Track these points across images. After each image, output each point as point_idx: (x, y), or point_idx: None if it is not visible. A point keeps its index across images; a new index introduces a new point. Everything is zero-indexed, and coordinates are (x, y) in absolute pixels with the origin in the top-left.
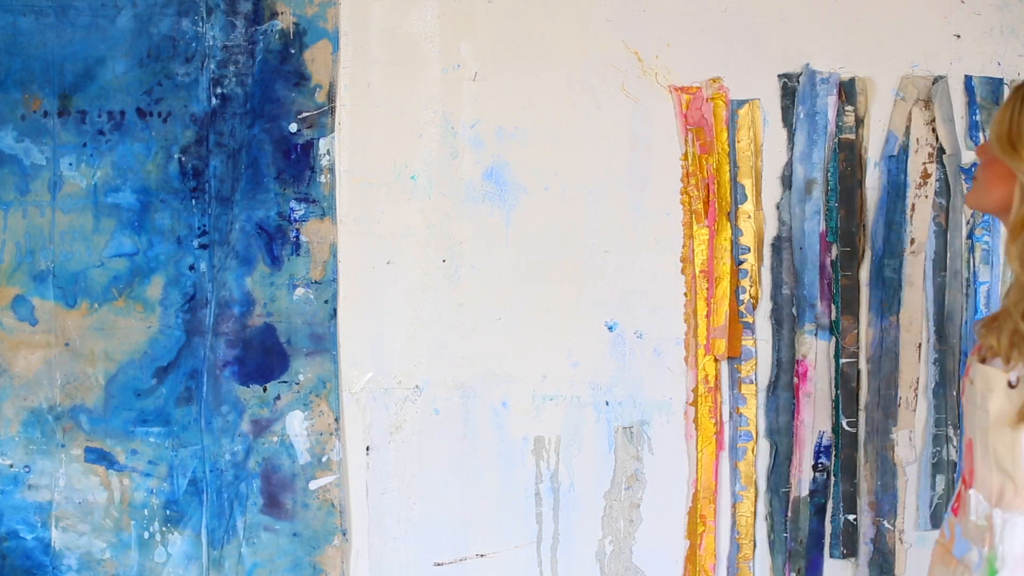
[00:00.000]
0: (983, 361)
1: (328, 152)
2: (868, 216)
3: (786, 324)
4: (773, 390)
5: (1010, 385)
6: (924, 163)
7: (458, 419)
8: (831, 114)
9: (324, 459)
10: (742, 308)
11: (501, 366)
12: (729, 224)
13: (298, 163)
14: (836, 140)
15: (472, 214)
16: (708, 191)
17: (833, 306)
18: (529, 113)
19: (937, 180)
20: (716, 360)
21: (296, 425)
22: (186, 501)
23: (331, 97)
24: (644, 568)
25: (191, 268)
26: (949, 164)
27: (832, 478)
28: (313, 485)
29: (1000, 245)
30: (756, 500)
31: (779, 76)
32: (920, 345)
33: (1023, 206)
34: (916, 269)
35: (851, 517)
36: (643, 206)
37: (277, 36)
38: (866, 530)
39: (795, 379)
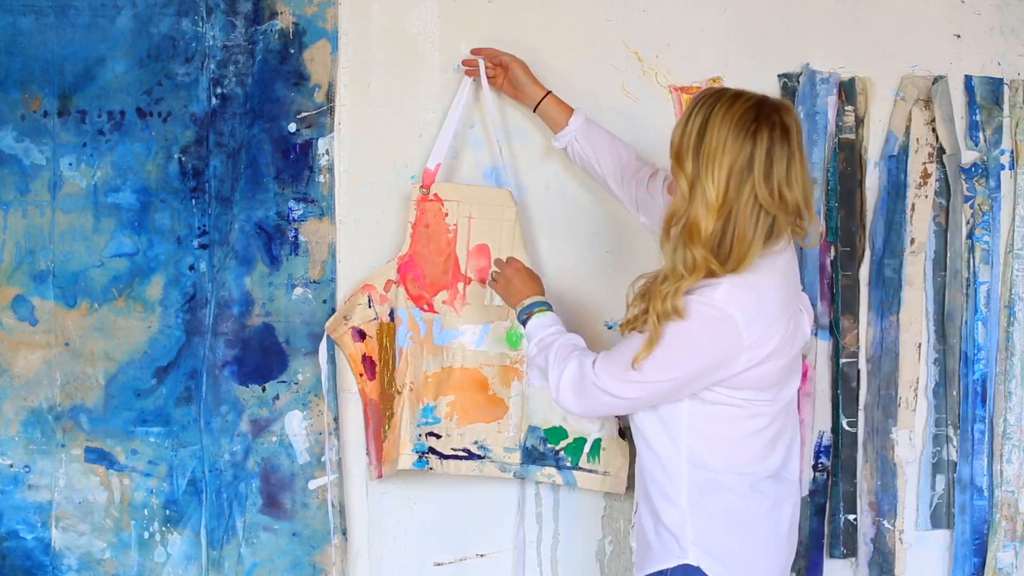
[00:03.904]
0: None
1: (327, 152)
2: (868, 216)
3: None
4: None
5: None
6: (924, 163)
7: None
8: (831, 114)
9: (324, 459)
10: None
11: None
12: None
13: (297, 163)
14: (836, 140)
15: None
16: None
17: (833, 306)
18: (529, 113)
19: (937, 180)
20: None
21: (295, 425)
22: (186, 501)
23: (331, 97)
24: None
25: (191, 268)
26: (949, 164)
27: (832, 478)
28: (312, 485)
29: (1000, 245)
30: None
31: (779, 76)
32: (920, 345)
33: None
34: (916, 269)
35: (851, 517)
36: None
37: (277, 36)
38: (866, 530)
39: None
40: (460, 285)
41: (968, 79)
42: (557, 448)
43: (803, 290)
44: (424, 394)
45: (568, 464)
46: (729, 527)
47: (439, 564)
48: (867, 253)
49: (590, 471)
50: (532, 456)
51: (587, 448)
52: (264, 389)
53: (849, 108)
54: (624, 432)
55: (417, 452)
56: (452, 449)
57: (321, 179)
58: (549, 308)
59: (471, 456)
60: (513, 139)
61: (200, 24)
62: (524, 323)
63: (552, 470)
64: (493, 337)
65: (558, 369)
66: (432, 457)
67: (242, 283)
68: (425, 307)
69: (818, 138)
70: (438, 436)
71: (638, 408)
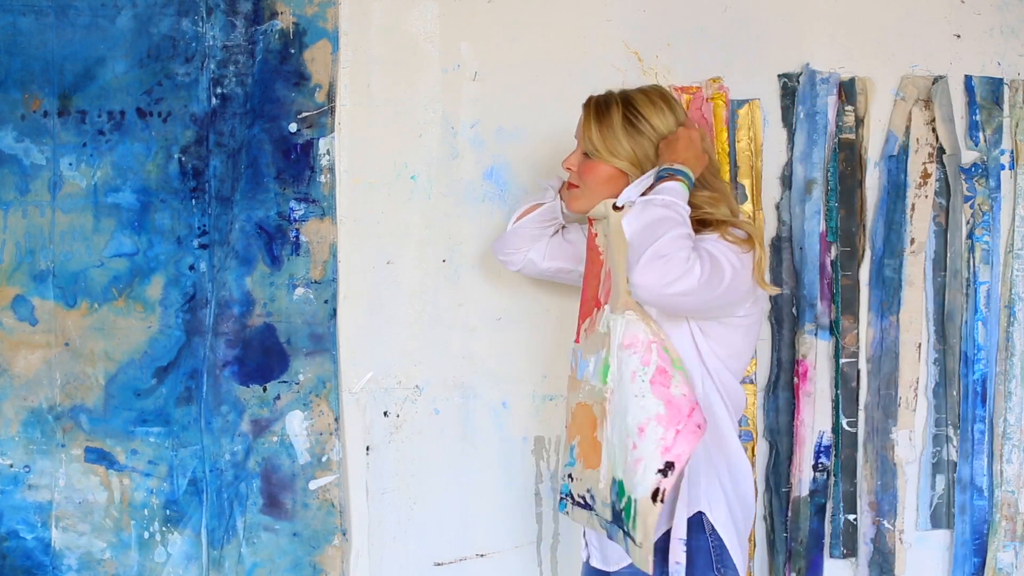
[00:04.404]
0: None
1: (328, 152)
2: (868, 216)
3: (786, 324)
4: (773, 390)
5: (616, 208)
6: (924, 163)
7: (458, 419)
8: (831, 114)
9: (324, 459)
10: None
11: (501, 366)
12: None
13: (298, 163)
14: (836, 140)
15: (472, 214)
16: None
17: (833, 306)
18: (529, 113)
19: (937, 180)
20: None
21: (296, 425)
22: (186, 501)
23: (331, 97)
24: None
25: (191, 268)
26: (949, 164)
27: (832, 478)
28: (313, 485)
29: (1001, 245)
30: (756, 500)
31: (779, 76)
32: (920, 345)
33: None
34: (916, 269)
35: (851, 517)
36: None
37: (277, 36)
38: (866, 530)
39: (795, 379)
40: (596, 311)
41: (968, 79)
42: (621, 507)
43: (803, 290)
44: (571, 432)
45: (625, 527)
46: (731, 475)
47: (439, 564)
48: (867, 253)
49: (631, 537)
50: (615, 514)
51: (631, 510)
52: (265, 389)
53: (849, 108)
54: (657, 494)
55: (562, 494)
56: (579, 495)
57: (322, 179)
58: (690, 187)
59: (585, 505)
60: (513, 139)
61: (200, 24)
62: (662, 177)
63: (621, 533)
64: (595, 368)
65: (674, 232)
66: (569, 500)
67: (243, 283)
68: (576, 339)
69: (818, 138)
70: (572, 478)
71: (700, 304)
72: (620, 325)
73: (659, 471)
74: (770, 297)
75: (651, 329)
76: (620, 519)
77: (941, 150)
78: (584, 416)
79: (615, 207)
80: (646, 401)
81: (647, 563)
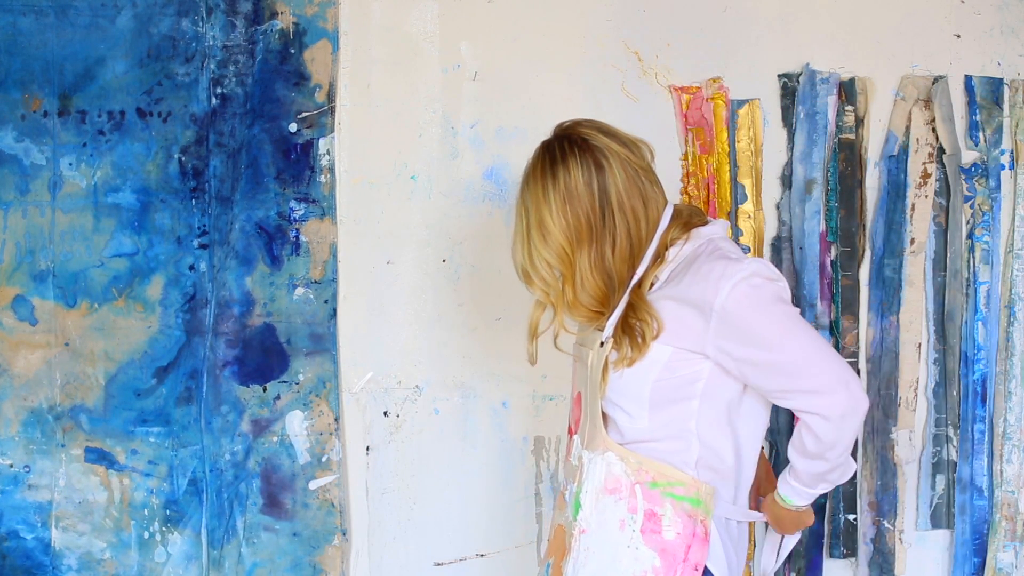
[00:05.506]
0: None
1: (328, 152)
2: (868, 216)
3: None
4: None
5: (600, 344)
6: (924, 163)
7: (458, 419)
8: (831, 114)
9: (324, 459)
10: None
11: (501, 366)
12: (729, 224)
13: (298, 163)
14: (836, 140)
15: (472, 214)
16: (708, 191)
17: (833, 306)
18: (529, 113)
19: (937, 180)
20: None
21: (296, 425)
22: (186, 501)
23: (331, 97)
24: None
25: (191, 268)
26: (949, 164)
27: None
28: (313, 485)
29: (1001, 245)
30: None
31: (779, 76)
32: (920, 345)
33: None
34: (916, 269)
35: (851, 517)
36: None
37: (277, 36)
38: (866, 530)
39: None
40: (570, 439)
41: (968, 79)
42: None
43: (803, 290)
44: (550, 550)
45: None
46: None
47: (439, 564)
48: (867, 253)
49: None
50: None
51: None
52: (265, 389)
53: (849, 108)
54: None
55: None
56: None
57: (322, 179)
58: (783, 494)
59: None
60: (513, 139)
61: (200, 24)
62: (799, 507)
63: None
64: (570, 498)
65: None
66: None
67: (243, 283)
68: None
69: (818, 138)
70: None
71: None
72: (599, 467)
73: None
74: None
75: (631, 468)
76: None
77: (941, 150)
78: (559, 541)
79: (601, 343)
80: (640, 553)
81: None
